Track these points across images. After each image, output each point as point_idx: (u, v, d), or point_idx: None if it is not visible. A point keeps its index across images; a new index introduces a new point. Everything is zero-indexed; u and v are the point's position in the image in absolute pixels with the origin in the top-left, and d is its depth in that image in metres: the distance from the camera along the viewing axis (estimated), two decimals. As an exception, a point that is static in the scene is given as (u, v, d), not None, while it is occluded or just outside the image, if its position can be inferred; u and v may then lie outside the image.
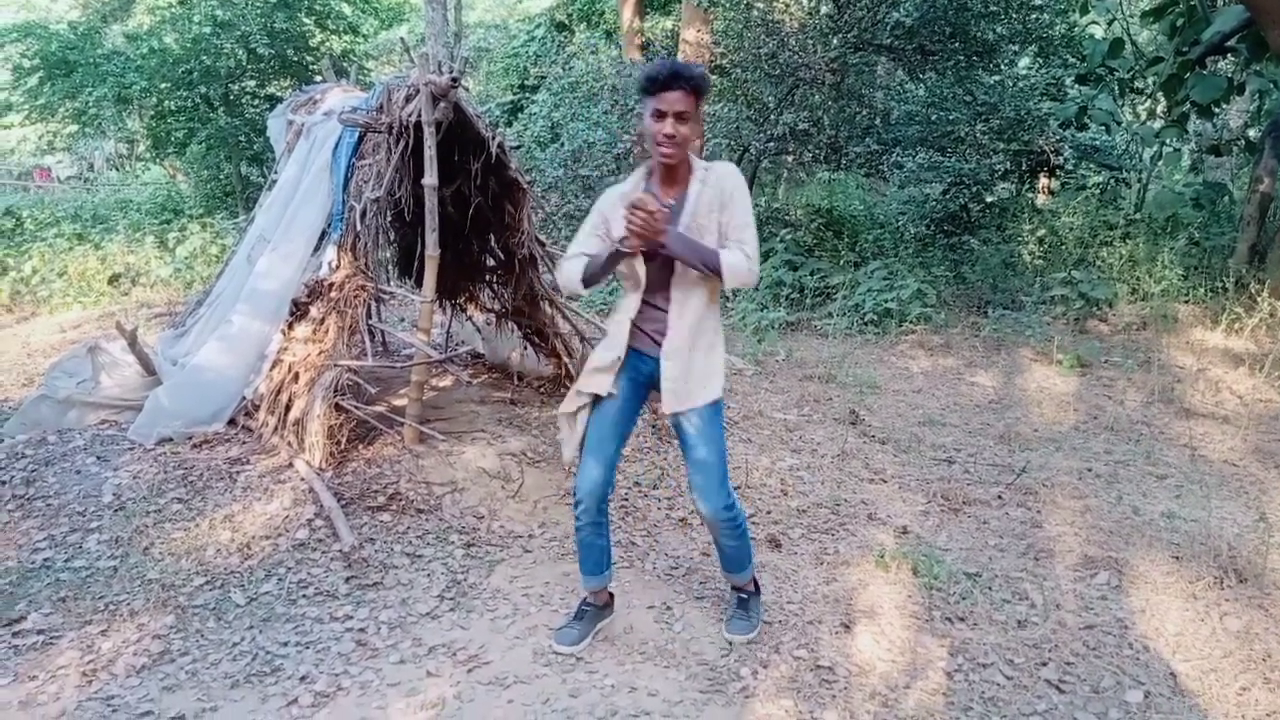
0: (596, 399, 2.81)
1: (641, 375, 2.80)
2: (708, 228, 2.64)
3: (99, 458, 4.05)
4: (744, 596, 3.09)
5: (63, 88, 12.52)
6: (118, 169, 22.07)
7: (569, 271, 2.73)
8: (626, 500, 4.07)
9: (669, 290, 2.70)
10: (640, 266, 2.69)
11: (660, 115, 2.54)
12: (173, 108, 13.28)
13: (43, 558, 3.32)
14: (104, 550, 3.37)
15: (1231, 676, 2.86)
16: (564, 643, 2.89)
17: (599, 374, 2.78)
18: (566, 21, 17.10)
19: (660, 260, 2.65)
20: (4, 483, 3.85)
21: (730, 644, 2.97)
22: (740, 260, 2.58)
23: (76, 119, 13.41)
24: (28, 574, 3.22)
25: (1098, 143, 11.91)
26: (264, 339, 4.30)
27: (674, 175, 2.69)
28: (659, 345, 2.72)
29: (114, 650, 2.83)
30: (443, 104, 4.06)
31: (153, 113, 13.63)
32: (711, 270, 2.58)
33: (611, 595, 3.05)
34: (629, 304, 2.75)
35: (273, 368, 4.17)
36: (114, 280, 8.67)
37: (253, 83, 13.60)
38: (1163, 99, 9.65)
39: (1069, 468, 4.68)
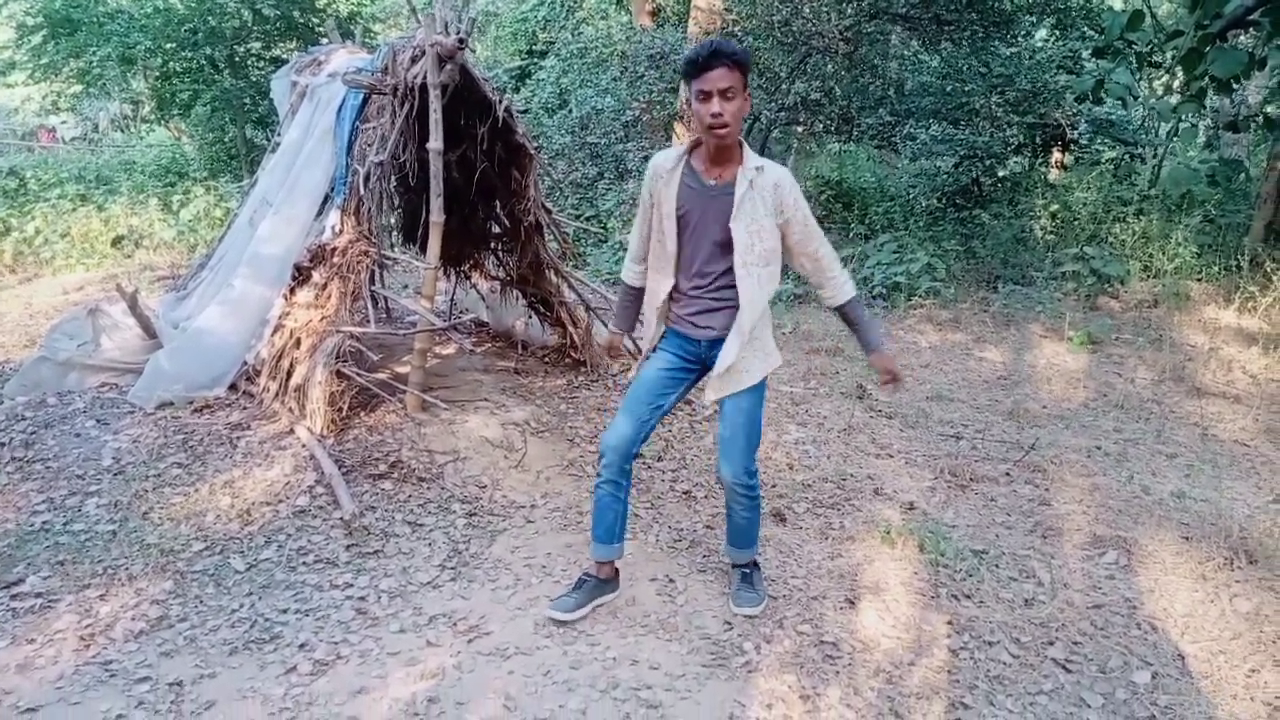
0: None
1: (690, 355, 2.81)
2: (756, 229, 2.61)
3: (99, 421, 4.03)
4: (746, 571, 3.05)
5: (66, 47, 12.34)
6: (123, 130, 21.90)
7: (625, 272, 2.96)
8: (639, 479, 4.02)
9: (708, 277, 2.70)
10: (671, 247, 2.69)
11: (706, 96, 2.47)
12: (177, 69, 13.10)
13: (41, 521, 3.30)
14: (103, 514, 3.35)
15: (1241, 658, 2.82)
16: (559, 609, 2.84)
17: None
18: (576, -14, 16.83)
19: (704, 250, 2.67)
20: (3, 445, 3.83)
21: (736, 618, 2.94)
22: (849, 281, 2.82)
23: (80, 79, 13.23)
24: (26, 537, 3.20)
25: (1113, 117, 11.73)
26: (266, 303, 4.25)
27: (724, 155, 2.62)
28: (701, 328, 2.75)
29: (112, 615, 2.81)
30: (449, 66, 3.98)
31: (157, 74, 13.45)
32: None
33: (617, 571, 3.01)
34: (659, 291, 2.78)
35: (274, 333, 4.13)
36: (117, 242, 8.61)
37: (258, 44, 13.41)
38: (1181, 73, 9.47)
39: (1078, 445, 4.62)
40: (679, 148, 2.72)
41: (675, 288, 2.76)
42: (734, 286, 2.67)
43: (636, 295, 2.96)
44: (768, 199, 2.61)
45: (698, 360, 2.81)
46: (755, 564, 3.09)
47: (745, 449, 2.78)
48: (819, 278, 2.78)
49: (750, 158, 2.62)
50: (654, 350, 2.87)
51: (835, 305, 2.82)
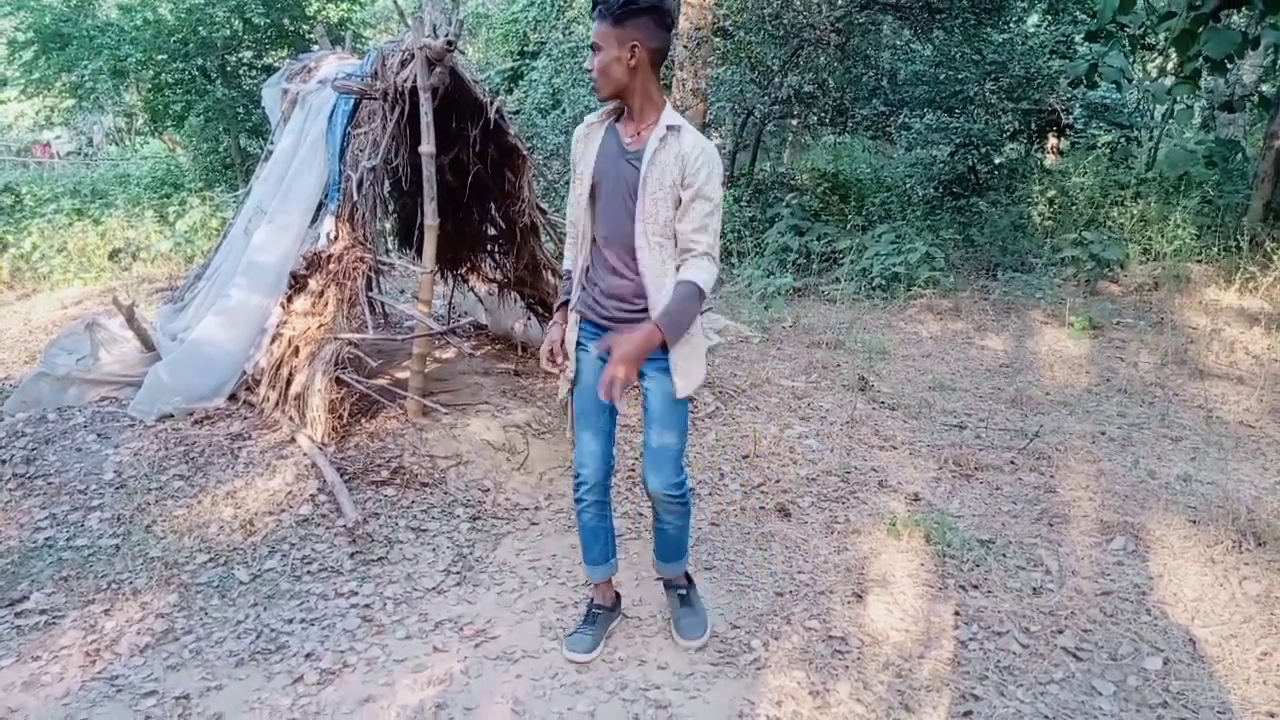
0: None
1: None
2: (662, 196, 2.32)
3: (99, 435, 4.01)
4: (683, 592, 2.83)
5: (58, 61, 12.33)
6: (117, 143, 21.89)
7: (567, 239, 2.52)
8: (634, 471, 4.02)
9: (619, 252, 2.43)
10: (583, 215, 2.46)
11: (594, 47, 2.31)
12: (169, 80, 13.08)
13: (44, 537, 3.29)
14: (106, 528, 3.34)
15: (1252, 641, 2.81)
16: (578, 650, 2.69)
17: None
18: (566, -15, 16.81)
19: (614, 220, 2.40)
20: (4, 461, 3.81)
21: (743, 616, 2.92)
22: (710, 272, 2.33)
23: (73, 93, 13.22)
24: (30, 553, 3.18)
25: (1108, 101, 11.69)
26: (263, 312, 4.23)
27: (632, 113, 2.39)
28: (613, 318, 2.47)
29: (117, 629, 2.80)
30: (439, 69, 3.97)
31: (149, 86, 13.44)
32: (699, 312, 2.37)
33: (618, 595, 2.89)
34: (574, 269, 2.54)
35: (272, 342, 4.12)
36: (114, 255, 8.60)
37: (249, 53, 13.39)
38: (1175, 55, 9.44)
39: (1082, 431, 4.61)
40: (604, 110, 2.50)
41: (589, 268, 2.52)
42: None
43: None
44: (675, 165, 2.32)
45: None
46: (690, 580, 2.87)
47: (676, 455, 2.54)
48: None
49: (666, 118, 2.35)
50: (577, 349, 2.58)
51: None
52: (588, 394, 2.54)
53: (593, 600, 2.83)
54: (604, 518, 2.70)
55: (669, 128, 2.34)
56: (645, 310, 2.41)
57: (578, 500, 2.66)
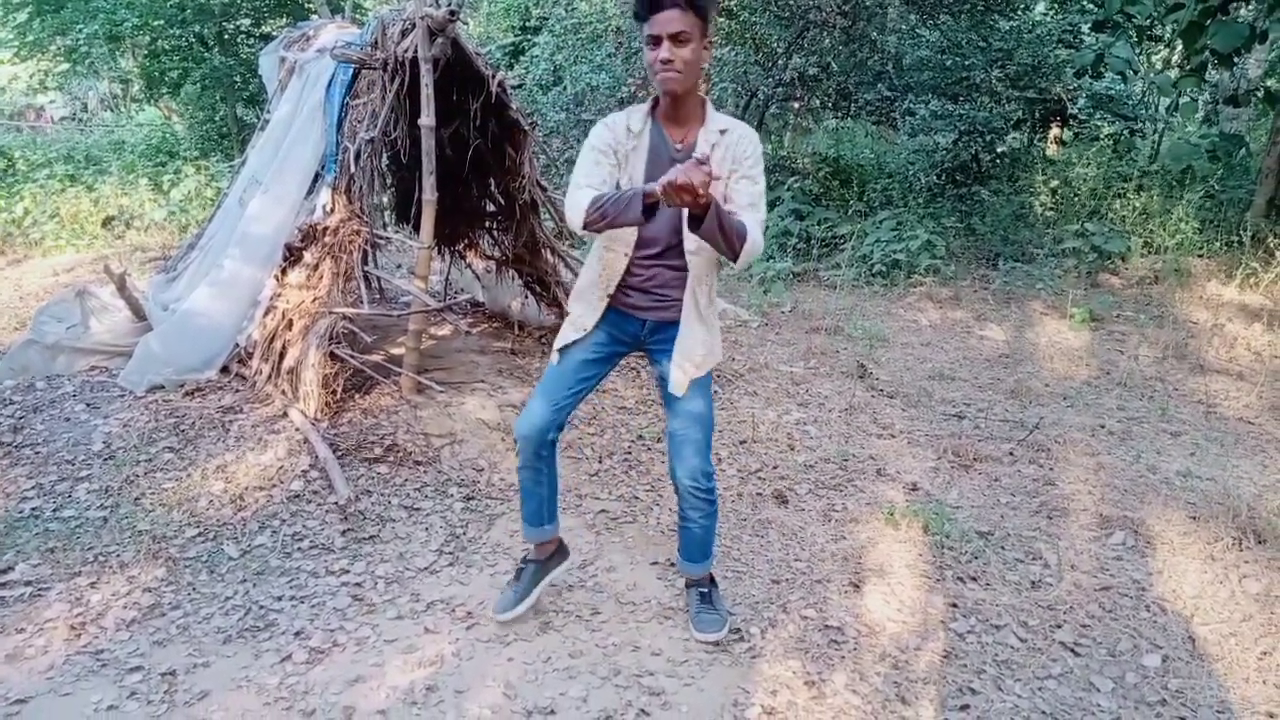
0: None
1: (625, 335, 2.54)
2: (715, 193, 2.26)
3: (89, 405, 3.95)
4: (704, 590, 2.78)
5: (52, 24, 12.13)
6: (112, 110, 21.63)
7: (574, 204, 2.28)
8: (630, 454, 3.98)
9: (659, 247, 2.41)
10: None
11: (655, 41, 2.19)
12: (166, 47, 12.91)
13: (31, 507, 3.24)
14: (93, 500, 3.29)
15: (1252, 640, 2.79)
16: (500, 610, 2.70)
17: (571, 329, 2.56)
18: (569, -39, 16.60)
19: (661, 221, 2.35)
20: (-9, 430, 3.75)
21: (739, 604, 2.89)
22: (760, 241, 2.26)
23: (68, 57, 13.04)
24: (15, 524, 3.13)
25: (1113, 92, 11.60)
26: (257, 284, 4.17)
27: (682, 113, 2.34)
28: (645, 309, 2.47)
29: (103, 603, 2.75)
30: (440, 39, 3.88)
31: (146, 52, 13.27)
32: (730, 251, 2.21)
33: (559, 541, 2.83)
34: (614, 261, 2.45)
35: (266, 314, 4.06)
36: (108, 223, 8.48)
37: (247, 21, 13.23)
38: (1181, 47, 9.36)
39: (1082, 424, 4.57)
40: (639, 107, 2.40)
41: (629, 264, 2.46)
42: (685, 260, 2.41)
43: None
44: (727, 160, 2.31)
45: (633, 341, 2.56)
46: (713, 580, 2.82)
47: (702, 446, 2.54)
48: None
49: (714, 119, 2.35)
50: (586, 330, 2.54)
51: None
52: (569, 369, 2.54)
53: (524, 555, 2.83)
54: (539, 483, 2.66)
55: (720, 130, 2.33)
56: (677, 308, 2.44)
57: (518, 456, 2.64)
